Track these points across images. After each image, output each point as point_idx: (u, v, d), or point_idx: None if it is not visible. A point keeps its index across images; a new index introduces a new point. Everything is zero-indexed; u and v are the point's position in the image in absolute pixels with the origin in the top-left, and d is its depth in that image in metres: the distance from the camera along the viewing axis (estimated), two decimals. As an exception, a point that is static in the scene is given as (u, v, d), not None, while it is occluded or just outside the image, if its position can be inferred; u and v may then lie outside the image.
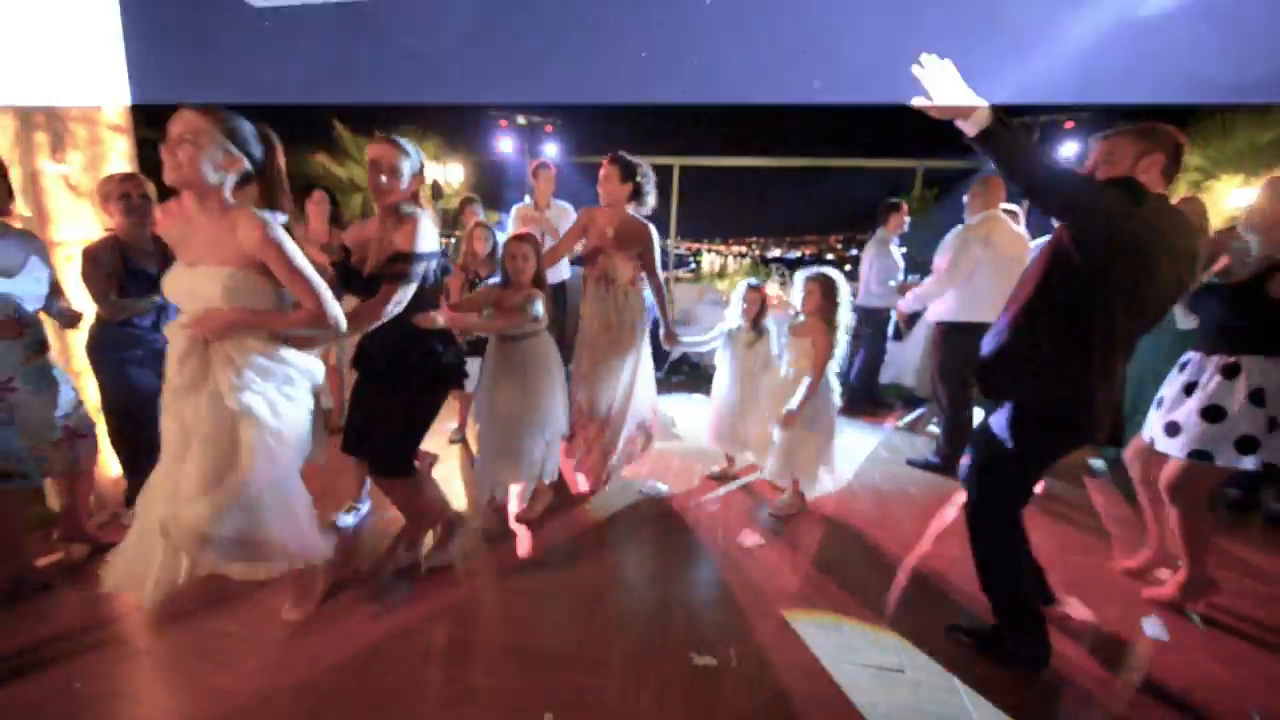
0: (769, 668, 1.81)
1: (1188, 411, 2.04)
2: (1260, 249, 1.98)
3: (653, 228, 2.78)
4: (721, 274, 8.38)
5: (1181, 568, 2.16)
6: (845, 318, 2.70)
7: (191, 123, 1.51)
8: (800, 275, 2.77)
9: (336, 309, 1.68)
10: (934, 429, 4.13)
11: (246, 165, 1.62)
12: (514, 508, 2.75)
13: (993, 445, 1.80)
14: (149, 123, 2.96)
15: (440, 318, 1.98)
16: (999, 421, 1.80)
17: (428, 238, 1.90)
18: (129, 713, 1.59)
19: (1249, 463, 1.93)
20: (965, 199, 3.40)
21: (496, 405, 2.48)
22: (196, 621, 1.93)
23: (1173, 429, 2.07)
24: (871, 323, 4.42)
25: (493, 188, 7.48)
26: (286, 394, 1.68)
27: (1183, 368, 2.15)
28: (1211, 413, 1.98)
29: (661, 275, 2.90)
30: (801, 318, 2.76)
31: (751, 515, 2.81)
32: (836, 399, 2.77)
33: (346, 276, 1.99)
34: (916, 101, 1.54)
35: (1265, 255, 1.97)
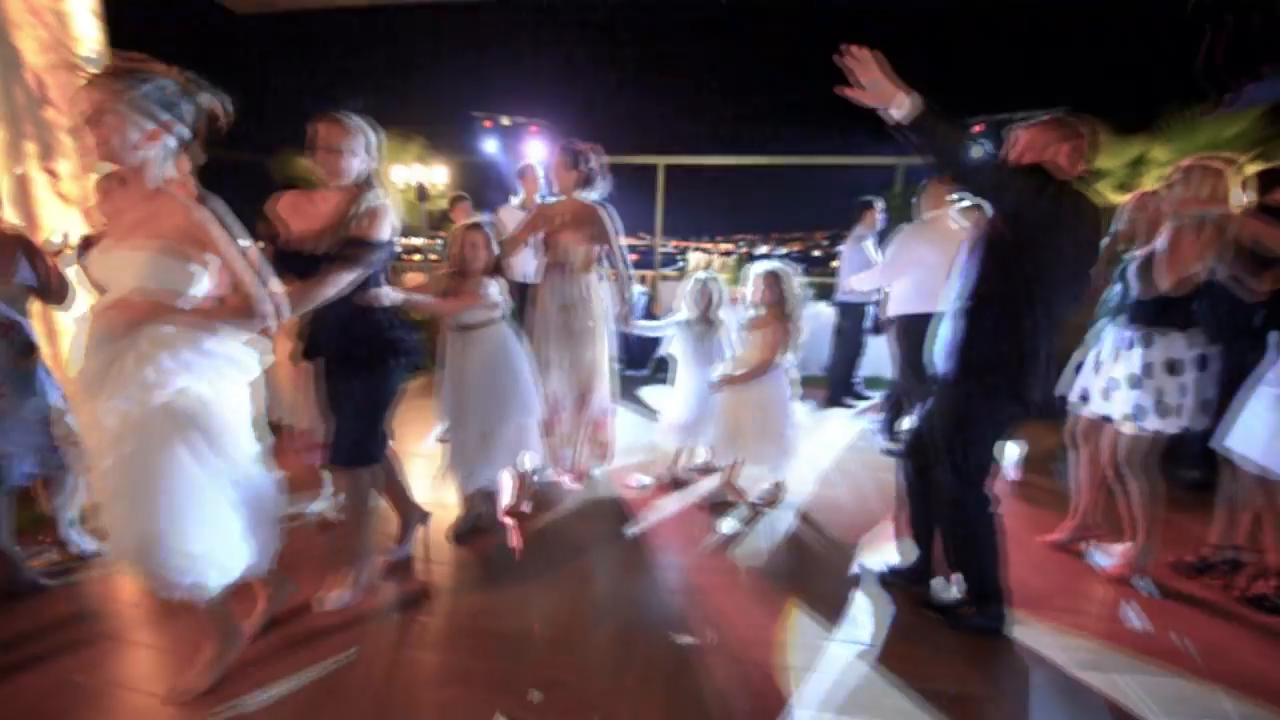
0: (749, 645, 1.90)
1: (1115, 380, 2.22)
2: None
3: (607, 211, 2.81)
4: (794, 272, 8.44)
5: (1136, 538, 2.27)
6: (797, 310, 2.78)
7: (96, 96, 1.37)
8: (752, 271, 2.86)
9: (268, 302, 1.55)
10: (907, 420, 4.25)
11: (175, 136, 1.47)
12: (506, 499, 2.82)
13: (943, 425, 1.92)
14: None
15: (390, 292, 1.94)
16: (952, 403, 1.91)
17: (389, 226, 1.87)
18: (130, 703, 1.66)
19: (1171, 426, 2.11)
20: (915, 200, 3.62)
21: (462, 397, 2.43)
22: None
23: (1105, 395, 2.26)
24: (849, 317, 4.56)
25: (478, 188, 7.53)
26: (215, 389, 1.53)
27: (1109, 339, 2.30)
28: (1134, 380, 2.15)
29: (624, 260, 2.93)
30: (755, 312, 2.84)
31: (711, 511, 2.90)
32: (791, 388, 2.85)
33: (282, 257, 1.83)
34: (846, 91, 1.60)
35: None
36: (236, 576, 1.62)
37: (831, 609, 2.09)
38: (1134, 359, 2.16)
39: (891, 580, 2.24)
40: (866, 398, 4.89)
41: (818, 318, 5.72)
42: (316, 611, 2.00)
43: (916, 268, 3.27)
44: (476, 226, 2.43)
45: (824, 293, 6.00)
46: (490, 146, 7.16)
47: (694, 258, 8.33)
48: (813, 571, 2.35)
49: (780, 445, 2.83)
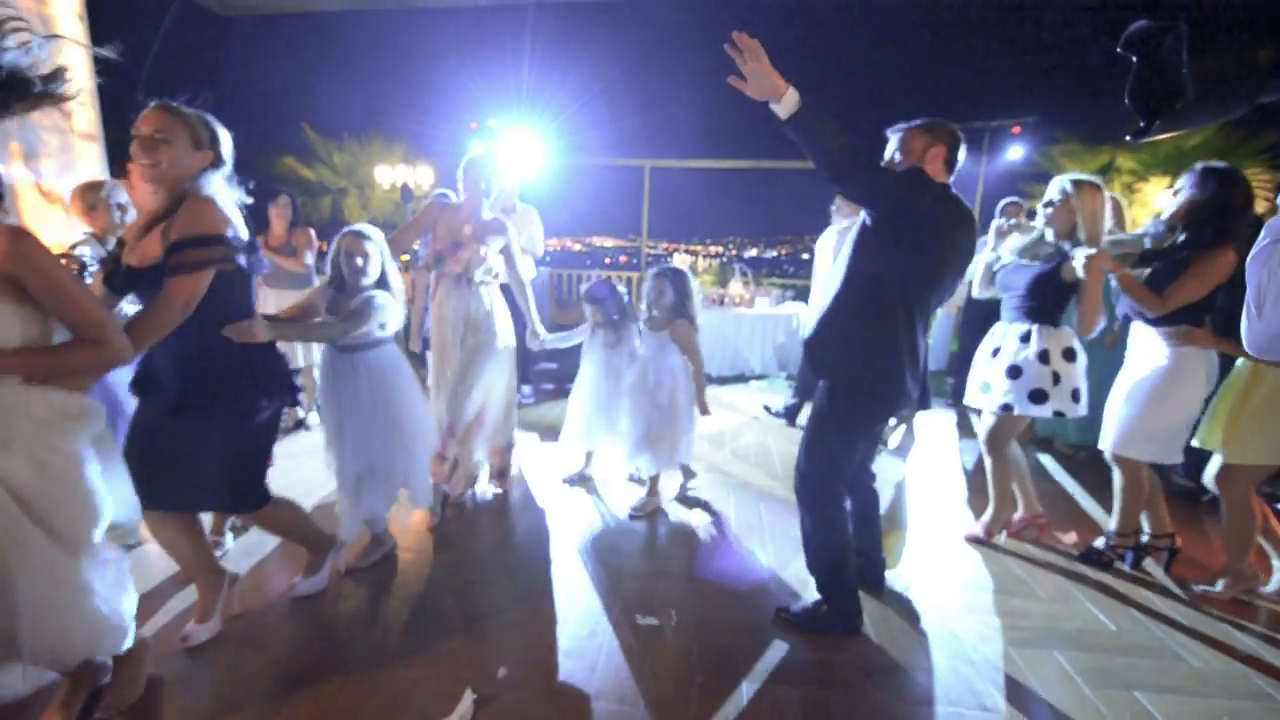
0: (703, 626, 2.01)
1: (995, 371, 2.43)
2: (1056, 239, 2.34)
3: (509, 223, 2.73)
4: (692, 273, 8.60)
5: (990, 507, 2.61)
6: (698, 311, 2.78)
7: None
8: (650, 273, 2.82)
9: (123, 336, 1.36)
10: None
11: None
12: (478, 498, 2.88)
13: (815, 422, 1.95)
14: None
15: (259, 328, 1.68)
16: (819, 399, 1.94)
17: (225, 220, 1.57)
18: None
19: (1044, 411, 2.31)
20: (832, 207, 3.86)
21: (344, 428, 2.19)
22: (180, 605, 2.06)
23: (985, 387, 2.48)
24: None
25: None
26: (48, 454, 1.27)
27: (992, 335, 2.53)
28: (1012, 371, 2.37)
29: (523, 270, 2.84)
30: (655, 314, 2.79)
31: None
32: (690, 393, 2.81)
33: (112, 278, 1.61)
34: (732, 80, 1.58)
35: (1057, 248, 2.33)
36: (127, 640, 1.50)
37: (784, 589, 2.20)
38: (1019, 350, 2.37)
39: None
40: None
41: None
42: (288, 597, 2.07)
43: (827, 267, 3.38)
44: (358, 234, 2.16)
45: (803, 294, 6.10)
46: (476, 148, 7.22)
47: (679, 260, 8.44)
48: (768, 554, 2.46)
49: (682, 443, 2.82)
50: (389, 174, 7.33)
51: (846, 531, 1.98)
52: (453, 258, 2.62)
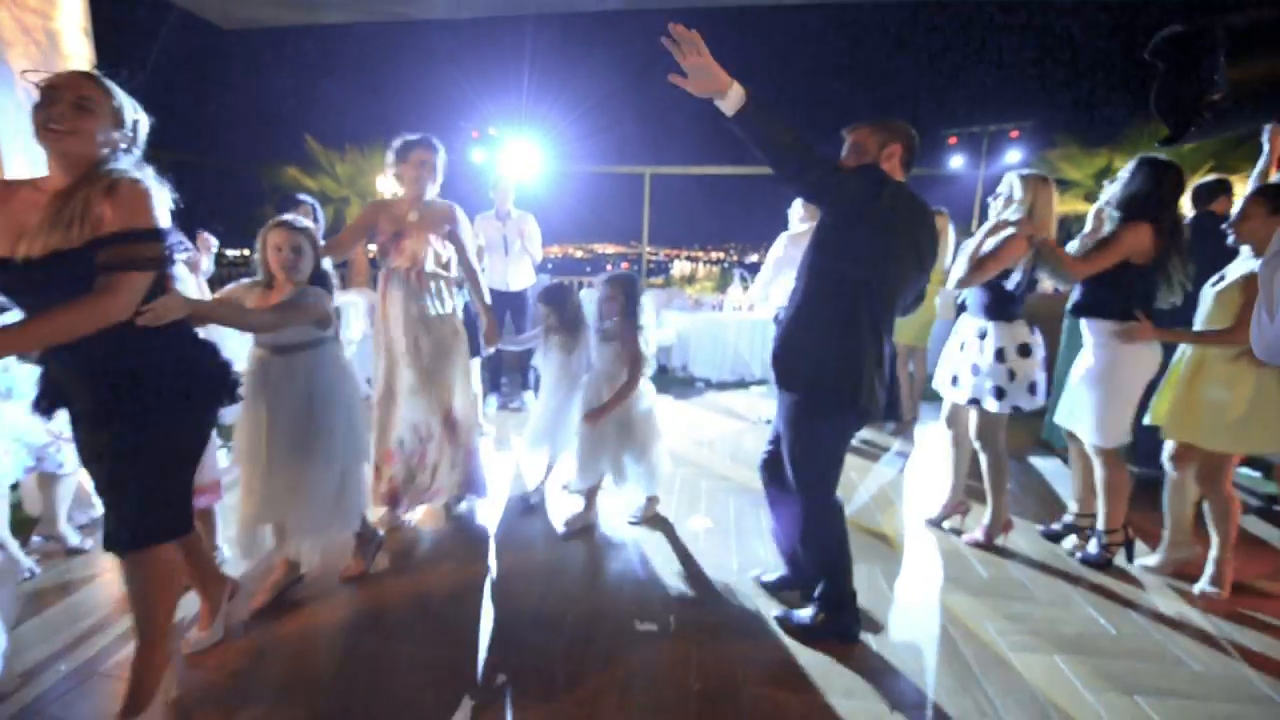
0: (703, 631, 2.00)
1: (962, 366, 2.52)
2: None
3: (458, 207, 2.53)
4: (691, 279, 8.63)
5: (988, 508, 2.61)
6: (649, 319, 2.66)
7: None
8: (599, 280, 2.69)
9: None
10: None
11: None
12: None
13: (785, 434, 1.90)
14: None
15: (175, 302, 1.43)
16: (793, 414, 1.88)
17: (164, 209, 1.42)
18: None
19: (1004, 406, 2.40)
20: (789, 209, 3.96)
21: (269, 439, 1.93)
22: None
23: (955, 381, 2.55)
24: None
25: (465, 199, 7.67)
26: None
27: (958, 330, 2.61)
28: (975, 369, 2.46)
29: (475, 263, 2.63)
30: (607, 325, 2.68)
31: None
32: (647, 402, 2.72)
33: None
34: (673, 78, 1.50)
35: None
36: None
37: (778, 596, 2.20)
38: (978, 348, 2.46)
39: (766, 588, 2.23)
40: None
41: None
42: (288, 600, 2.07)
43: (788, 269, 3.37)
44: (285, 224, 1.93)
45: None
46: (477, 156, 7.29)
47: (679, 266, 8.46)
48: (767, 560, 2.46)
49: (646, 462, 2.68)
50: (391, 183, 7.40)
51: (844, 533, 1.95)
52: (395, 249, 2.43)
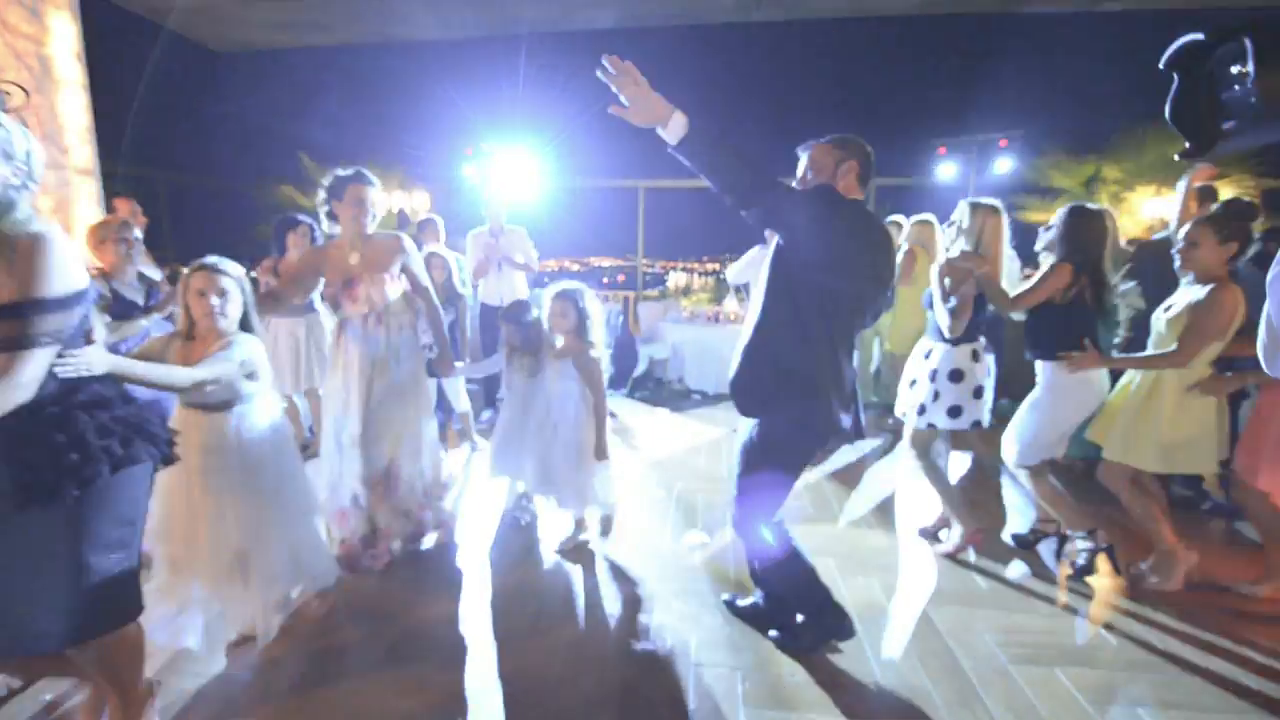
0: (700, 650, 1.98)
1: (920, 387, 2.58)
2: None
3: (405, 236, 2.42)
4: (687, 290, 8.65)
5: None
6: (600, 335, 2.58)
7: None
8: (548, 294, 2.57)
9: None
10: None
11: None
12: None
13: (741, 454, 1.94)
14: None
15: (95, 356, 1.28)
16: (748, 435, 1.90)
17: (65, 268, 1.20)
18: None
19: (921, 423, 2.52)
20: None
21: (202, 507, 1.76)
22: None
23: (920, 410, 2.58)
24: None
25: (458, 215, 7.70)
26: None
27: (915, 353, 2.69)
28: (912, 383, 2.61)
29: (432, 294, 2.53)
30: (559, 339, 2.57)
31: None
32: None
33: None
34: (613, 109, 1.49)
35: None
36: None
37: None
38: (924, 366, 2.57)
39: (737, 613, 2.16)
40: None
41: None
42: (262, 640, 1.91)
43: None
44: (212, 268, 1.75)
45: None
46: (471, 173, 7.32)
47: (675, 278, 8.49)
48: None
49: (577, 478, 2.58)
50: (385, 200, 7.40)
51: (793, 546, 1.92)
52: (348, 297, 2.30)
